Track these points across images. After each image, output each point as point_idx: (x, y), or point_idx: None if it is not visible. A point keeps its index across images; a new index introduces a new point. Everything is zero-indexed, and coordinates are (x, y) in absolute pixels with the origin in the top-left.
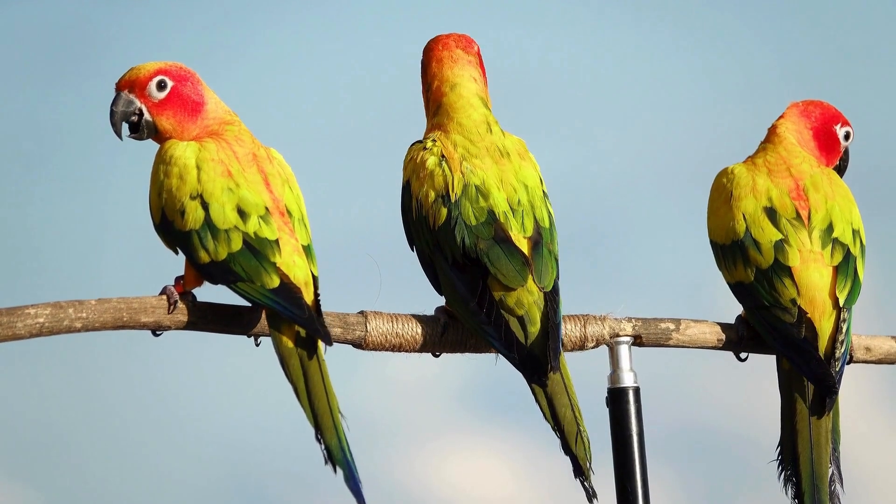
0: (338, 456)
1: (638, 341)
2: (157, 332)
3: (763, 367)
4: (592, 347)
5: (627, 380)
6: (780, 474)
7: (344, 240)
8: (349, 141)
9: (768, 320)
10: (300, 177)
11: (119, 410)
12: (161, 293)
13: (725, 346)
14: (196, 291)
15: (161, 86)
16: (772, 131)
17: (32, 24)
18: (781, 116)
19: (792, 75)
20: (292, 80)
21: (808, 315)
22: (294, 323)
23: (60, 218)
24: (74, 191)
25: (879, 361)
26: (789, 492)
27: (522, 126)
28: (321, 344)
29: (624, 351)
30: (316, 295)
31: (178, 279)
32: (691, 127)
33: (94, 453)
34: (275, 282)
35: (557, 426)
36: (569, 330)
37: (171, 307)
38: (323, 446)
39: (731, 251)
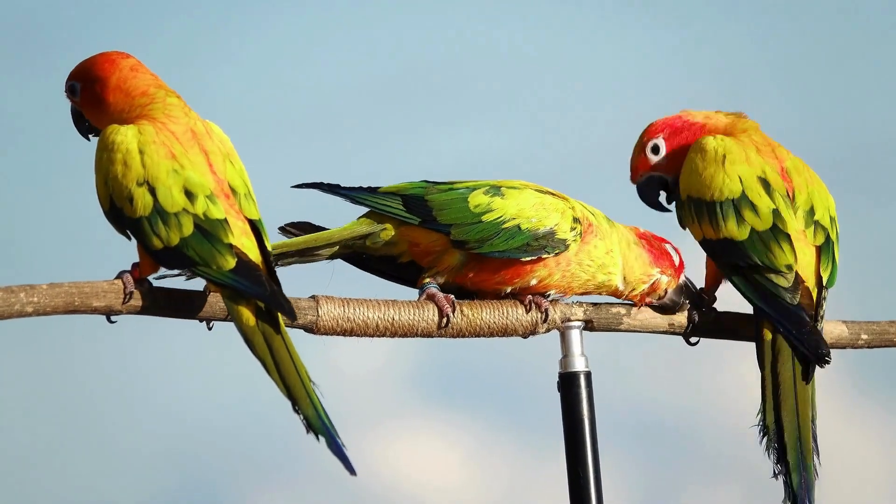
0: (316, 424)
1: (589, 326)
2: (112, 319)
3: (714, 352)
4: (544, 332)
5: (579, 364)
6: (762, 438)
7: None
8: (304, 126)
9: (758, 282)
10: (266, 159)
11: (74, 395)
12: (116, 277)
13: (676, 331)
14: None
15: (72, 91)
16: (743, 122)
17: None
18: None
19: (749, 62)
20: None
21: (805, 283)
22: (256, 300)
23: (11, 202)
24: (25, 175)
25: (831, 346)
26: (772, 456)
27: (477, 107)
28: (282, 317)
29: (575, 336)
30: (271, 270)
31: (134, 265)
32: (646, 103)
33: (48, 439)
34: (231, 263)
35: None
36: (520, 315)
37: (126, 298)
38: (302, 417)
39: (721, 208)
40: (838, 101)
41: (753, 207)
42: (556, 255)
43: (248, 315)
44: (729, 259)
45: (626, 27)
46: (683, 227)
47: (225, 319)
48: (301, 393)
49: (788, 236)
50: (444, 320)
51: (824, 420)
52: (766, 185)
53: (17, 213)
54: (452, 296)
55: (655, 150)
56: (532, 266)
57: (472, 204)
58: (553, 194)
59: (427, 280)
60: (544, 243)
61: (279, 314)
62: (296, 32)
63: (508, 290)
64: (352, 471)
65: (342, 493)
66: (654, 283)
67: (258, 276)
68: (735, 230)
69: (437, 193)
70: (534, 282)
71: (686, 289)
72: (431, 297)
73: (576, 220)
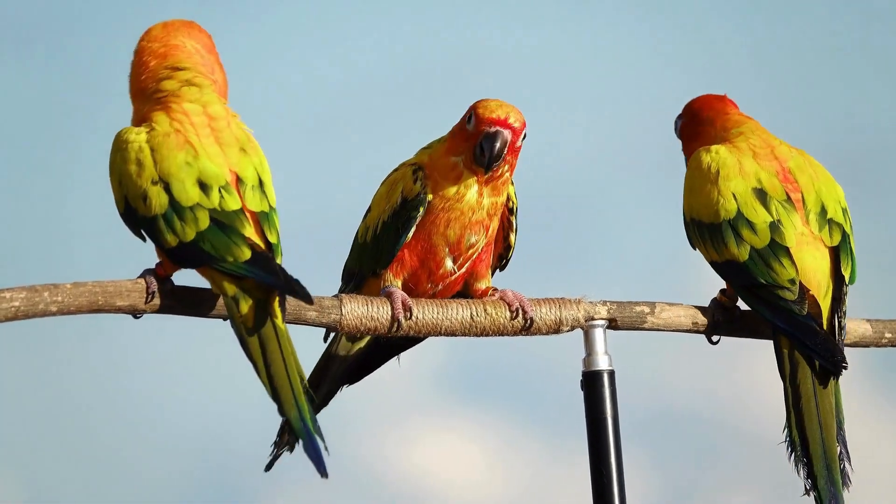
0: (297, 426)
1: (613, 325)
2: (138, 315)
3: (737, 350)
4: (567, 331)
5: (602, 363)
6: (790, 455)
7: (321, 225)
8: (327, 131)
9: (766, 298)
10: (284, 163)
11: (95, 393)
12: (140, 276)
13: (700, 330)
14: (176, 273)
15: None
16: (739, 118)
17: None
18: (726, 106)
19: (758, 58)
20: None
21: (811, 292)
22: (272, 288)
23: (35, 201)
24: (48, 174)
25: (854, 345)
26: (801, 472)
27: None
28: (280, 319)
29: (599, 334)
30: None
31: (158, 264)
32: (664, 108)
33: (71, 437)
34: (246, 254)
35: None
36: (544, 313)
37: (149, 297)
38: (284, 420)
39: (720, 230)
40: (855, 93)
41: (750, 225)
42: (427, 209)
43: (246, 315)
44: (736, 280)
45: (634, 25)
46: (694, 248)
47: None
48: (287, 396)
49: (787, 249)
50: (395, 324)
51: (848, 419)
52: (762, 195)
53: (41, 211)
54: (410, 300)
55: (675, 127)
56: (430, 231)
57: (359, 236)
58: (403, 164)
59: (386, 284)
60: (407, 212)
61: (279, 316)
62: (306, 31)
63: (452, 265)
64: (324, 473)
65: (365, 490)
66: (454, 165)
67: (272, 265)
68: (736, 251)
69: (351, 256)
70: (451, 238)
71: (487, 141)
72: (388, 297)
73: (416, 171)
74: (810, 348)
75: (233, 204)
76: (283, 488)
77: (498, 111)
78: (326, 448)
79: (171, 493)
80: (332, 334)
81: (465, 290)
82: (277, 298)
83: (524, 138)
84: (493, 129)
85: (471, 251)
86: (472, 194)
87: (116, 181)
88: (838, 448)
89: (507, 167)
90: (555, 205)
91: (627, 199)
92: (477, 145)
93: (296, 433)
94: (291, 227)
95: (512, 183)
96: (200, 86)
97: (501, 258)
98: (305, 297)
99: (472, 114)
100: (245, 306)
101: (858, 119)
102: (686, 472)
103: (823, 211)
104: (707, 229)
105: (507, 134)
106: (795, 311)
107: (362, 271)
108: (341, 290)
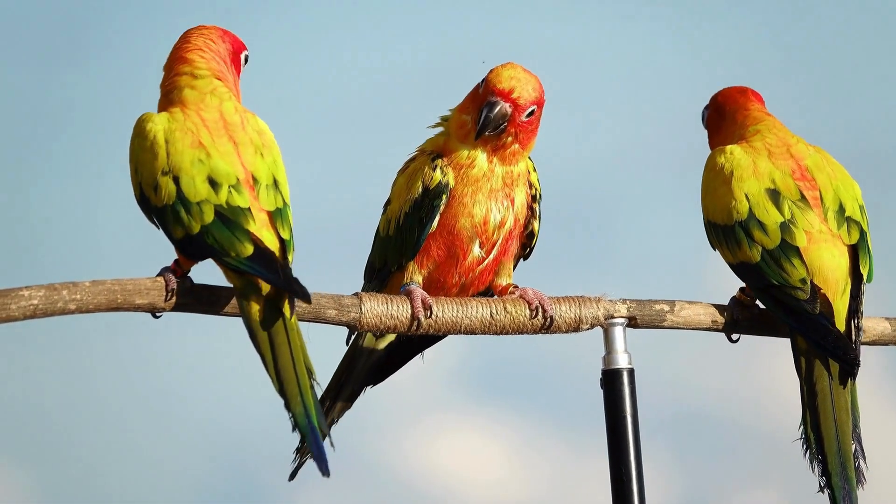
0: (301, 422)
1: (632, 323)
2: (157, 315)
3: (756, 349)
4: (587, 329)
5: (622, 361)
6: (805, 452)
7: (340, 224)
8: (343, 129)
9: (780, 298)
10: (303, 163)
11: (114, 392)
12: (158, 275)
13: (719, 328)
14: (193, 270)
15: None
16: (758, 114)
17: (24, 4)
18: (748, 101)
19: (784, 56)
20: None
21: (822, 291)
22: (272, 286)
23: (54, 199)
24: (68, 172)
25: (873, 343)
26: (816, 469)
27: None
28: (290, 314)
29: (618, 332)
30: (285, 259)
31: (175, 262)
32: (685, 106)
33: (88, 435)
34: (248, 250)
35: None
36: (564, 311)
37: (168, 295)
38: (290, 415)
39: (733, 231)
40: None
41: (761, 226)
42: (449, 194)
43: (255, 310)
44: (750, 281)
45: (658, 23)
46: (714, 249)
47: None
48: (293, 391)
49: (797, 249)
50: (415, 322)
51: (867, 418)
52: (775, 195)
53: (59, 210)
54: (430, 299)
55: (703, 117)
56: (454, 219)
57: (381, 230)
58: (421, 152)
59: (408, 279)
60: (430, 202)
61: (288, 312)
62: (322, 26)
63: (479, 250)
64: (325, 472)
65: (384, 488)
66: (464, 123)
67: (273, 263)
68: (748, 252)
69: (373, 251)
70: (477, 218)
71: (489, 109)
72: (408, 295)
73: (434, 159)
74: (823, 347)
75: (241, 201)
76: (302, 486)
77: (505, 83)
78: (332, 445)
79: (188, 492)
80: (354, 335)
81: (487, 285)
82: (287, 294)
83: (530, 114)
84: (493, 100)
85: (499, 232)
86: (482, 157)
87: (134, 167)
88: (853, 446)
89: (509, 139)
90: (575, 203)
91: (648, 197)
92: (478, 111)
93: (300, 429)
94: (309, 226)
95: (535, 169)
96: (221, 97)
97: (525, 247)
98: (304, 295)
99: (485, 78)
100: (254, 300)
101: (878, 117)
102: (705, 470)
103: (841, 209)
104: (721, 231)
105: (506, 107)
106: (807, 310)
107: (387, 266)
108: (364, 288)
